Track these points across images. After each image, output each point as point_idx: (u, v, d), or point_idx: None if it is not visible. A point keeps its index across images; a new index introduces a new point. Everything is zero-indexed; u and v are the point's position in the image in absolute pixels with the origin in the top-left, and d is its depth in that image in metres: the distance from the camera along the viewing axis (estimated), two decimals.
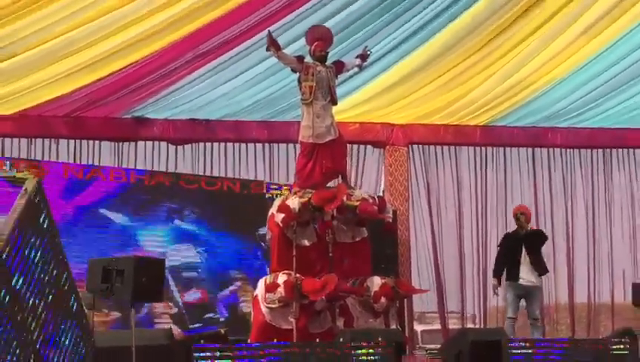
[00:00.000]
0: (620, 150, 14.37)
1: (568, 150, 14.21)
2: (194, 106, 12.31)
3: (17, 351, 5.01)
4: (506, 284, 10.49)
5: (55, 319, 5.47)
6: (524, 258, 10.54)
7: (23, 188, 5.43)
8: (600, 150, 14.29)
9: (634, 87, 12.45)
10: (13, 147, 12.02)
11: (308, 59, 9.38)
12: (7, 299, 4.90)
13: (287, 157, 13.09)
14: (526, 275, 10.51)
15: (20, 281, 5.10)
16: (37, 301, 5.26)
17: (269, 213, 9.57)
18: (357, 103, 12.51)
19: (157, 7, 9.75)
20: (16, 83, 10.97)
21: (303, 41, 9.94)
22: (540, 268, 10.71)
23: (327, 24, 10.36)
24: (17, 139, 12.11)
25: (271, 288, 9.04)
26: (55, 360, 5.50)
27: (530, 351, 8.98)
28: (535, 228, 10.94)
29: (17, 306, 5.03)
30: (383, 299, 9.50)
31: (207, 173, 12.72)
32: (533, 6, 10.56)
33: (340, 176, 9.85)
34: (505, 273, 10.54)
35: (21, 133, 12.09)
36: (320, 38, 9.61)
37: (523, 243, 10.49)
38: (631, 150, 14.37)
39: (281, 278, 8.98)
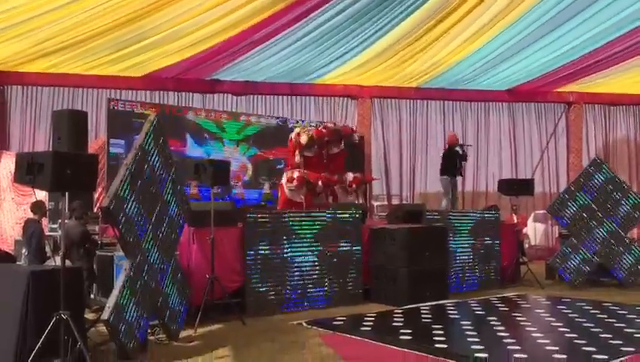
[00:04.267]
0: (494, 103, 14.25)
1: (464, 102, 14.05)
2: (247, 73, 12.12)
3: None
4: (447, 179, 10.43)
5: (171, 192, 5.58)
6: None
7: (148, 119, 5.47)
8: (482, 103, 14.17)
9: (497, 68, 12.42)
10: (142, 95, 11.91)
11: None
12: (141, 182, 4.98)
13: (301, 104, 13.07)
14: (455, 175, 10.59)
15: (148, 171, 5.19)
16: (154, 185, 5.35)
17: (290, 137, 9.61)
18: (342, 73, 12.42)
19: (227, 11, 9.53)
20: (144, 55, 10.81)
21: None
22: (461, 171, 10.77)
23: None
24: (144, 91, 11.99)
25: (290, 179, 9.14)
26: (173, 211, 5.65)
27: (438, 216, 9.16)
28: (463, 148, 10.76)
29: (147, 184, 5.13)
30: (354, 186, 9.65)
31: (254, 113, 12.52)
32: (447, 15, 10.32)
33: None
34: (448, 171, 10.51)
35: (146, 88, 11.98)
36: None
37: (457, 156, 10.53)
38: (500, 103, 14.26)
39: (296, 173, 9.08)
